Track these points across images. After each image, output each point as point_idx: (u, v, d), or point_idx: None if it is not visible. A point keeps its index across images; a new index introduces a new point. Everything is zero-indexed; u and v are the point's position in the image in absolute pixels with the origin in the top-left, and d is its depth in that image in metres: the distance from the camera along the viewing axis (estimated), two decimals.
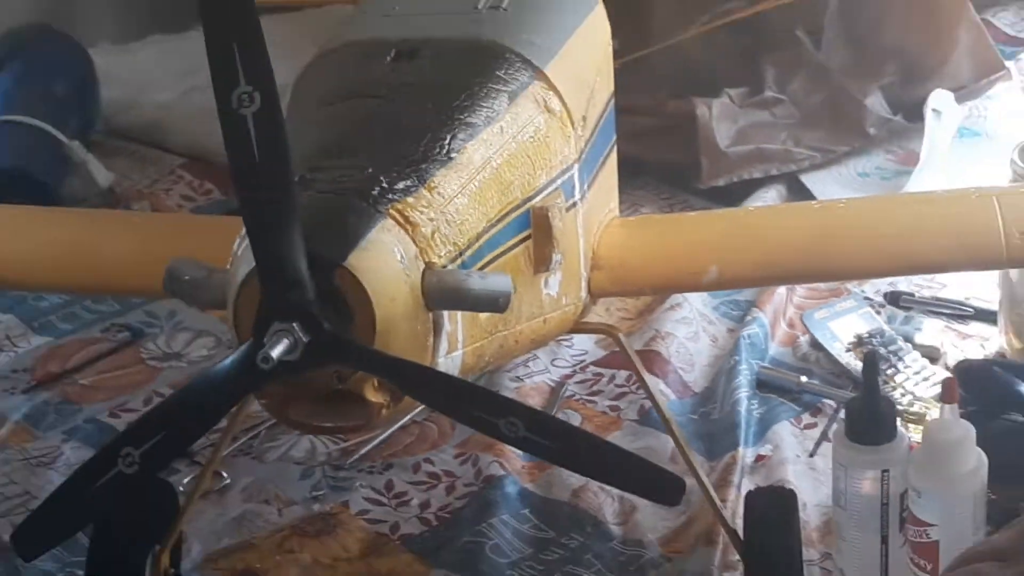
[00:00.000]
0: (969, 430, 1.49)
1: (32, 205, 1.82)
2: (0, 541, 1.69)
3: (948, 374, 1.77)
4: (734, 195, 2.35)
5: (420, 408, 1.57)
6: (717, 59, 2.63)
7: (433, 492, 1.75)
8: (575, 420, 1.86)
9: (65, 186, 2.51)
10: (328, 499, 1.75)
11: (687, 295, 2.05)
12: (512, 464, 1.75)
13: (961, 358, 1.89)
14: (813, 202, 2.22)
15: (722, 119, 2.44)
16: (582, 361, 1.99)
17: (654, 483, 1.22)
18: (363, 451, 1.82)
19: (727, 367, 1.93)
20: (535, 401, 1.89)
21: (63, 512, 1.23)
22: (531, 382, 1.94)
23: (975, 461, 1.49)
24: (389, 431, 1.82)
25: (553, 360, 1.98)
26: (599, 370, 1.97)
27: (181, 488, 1.61)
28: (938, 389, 1.71)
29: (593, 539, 1.65)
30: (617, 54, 1.84)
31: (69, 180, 2.53)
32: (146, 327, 2.14)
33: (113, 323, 2.16)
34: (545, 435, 1.17)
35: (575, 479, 1.68)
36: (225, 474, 1.78)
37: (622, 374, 1.93)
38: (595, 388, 1.94)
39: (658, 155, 2.44)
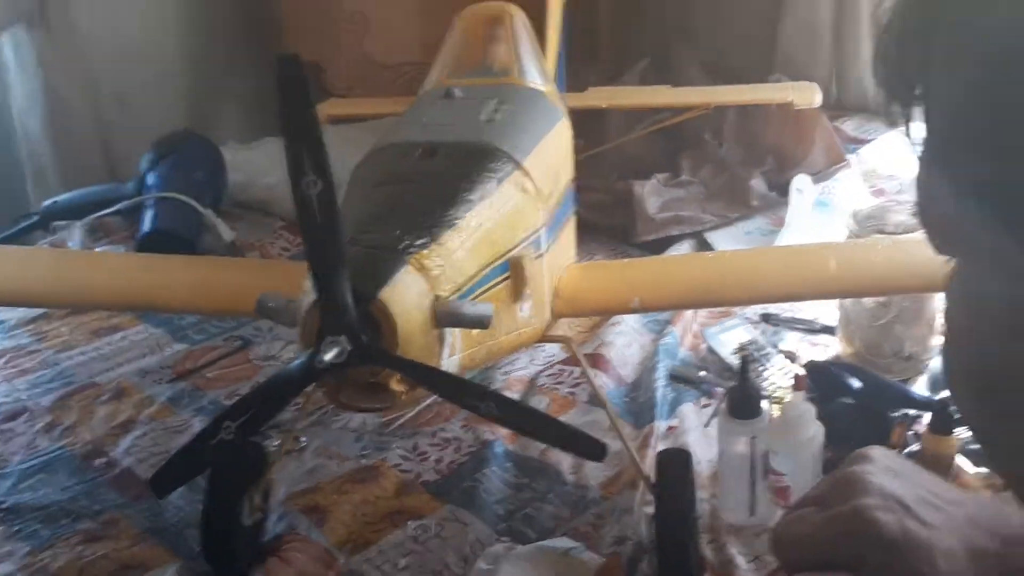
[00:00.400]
0: (811, 409, 1.50)
1: (178, 254, 1.82)
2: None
3: (800, 371, 1.77)
4: (659, 247, 2.35)
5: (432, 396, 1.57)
6: (650, 154, 2.65)
7: (445, 451, 1.75)
8: (544, 401, 1.86)
9: (201, 241, 2.52)
10: (372, 456, 1.74)
11: (624, 316, 2.04)
12: (499, 432, 1.75)
13: (810, 359, 1.89)
14: (710, 252, 2.23)
15: (651, 195, 2.45)
16: (551, 361, 1.98)
17: (582, 445, 1.24)
18: (397, 423, 1.81)
19: (650, 365, 1.92)
20: (517, 389, 1.89)
21: (184, 464, 1.25)
22: (515, 375, 1.93)
23: (815, 430, 1.49)
24: (415, 410, 1.82)
25: (530, 360, 1.98)
26: (562, 367, 1.96)
27: (273, 447, 1.61)
28: (792, 381, 1.71)
29: (554, 484, 1.65)
30: (581, 149, 1.85)
31: (204, 237, 2.54)
32: (253, 337, 2.14)
33: (231, 334, 2.15)
34: (510, 413, 1.18)
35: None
36: (303, 438, 1.78)
37: (578, 370, 1.93)
38: (559, 379, 1.93)
39: (607, 219, 2.44)
